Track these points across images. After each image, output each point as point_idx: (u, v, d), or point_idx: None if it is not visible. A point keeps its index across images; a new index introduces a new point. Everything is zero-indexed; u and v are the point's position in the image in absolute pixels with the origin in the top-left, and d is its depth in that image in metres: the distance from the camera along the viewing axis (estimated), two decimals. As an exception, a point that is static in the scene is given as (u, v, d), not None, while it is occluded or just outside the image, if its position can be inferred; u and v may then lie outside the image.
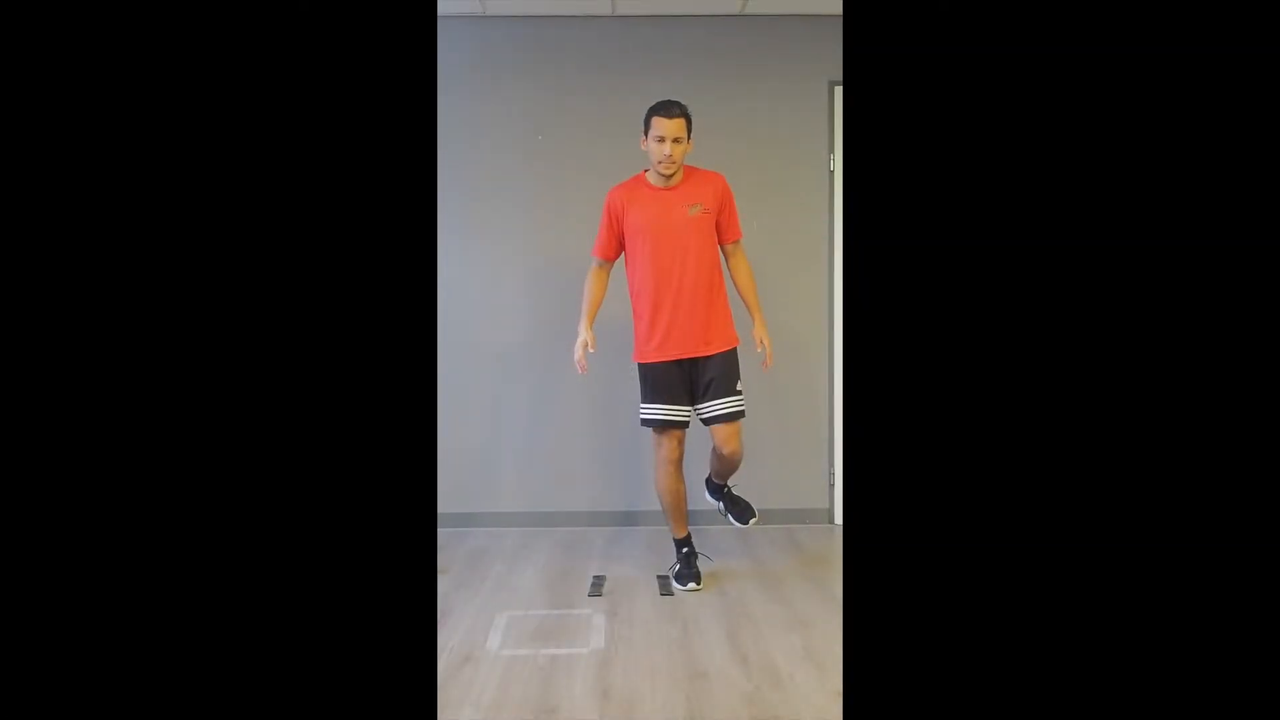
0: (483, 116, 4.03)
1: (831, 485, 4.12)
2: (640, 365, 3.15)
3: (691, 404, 3.11)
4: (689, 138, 3.02)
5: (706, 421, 3.11)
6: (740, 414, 3.09)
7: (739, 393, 3.09)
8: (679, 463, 3.14)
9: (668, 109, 2.99)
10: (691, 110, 3.03)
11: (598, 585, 3.21)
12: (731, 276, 3.21)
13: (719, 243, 3.16)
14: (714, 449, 3.17)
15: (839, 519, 4.09)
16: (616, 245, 3.14)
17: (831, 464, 4.11)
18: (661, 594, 3.12)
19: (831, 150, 4.04)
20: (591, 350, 3.10)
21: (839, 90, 4.00)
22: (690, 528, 3.28)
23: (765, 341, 3.15)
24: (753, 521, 3.27)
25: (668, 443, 3.12)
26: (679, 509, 3.21)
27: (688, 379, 3.09)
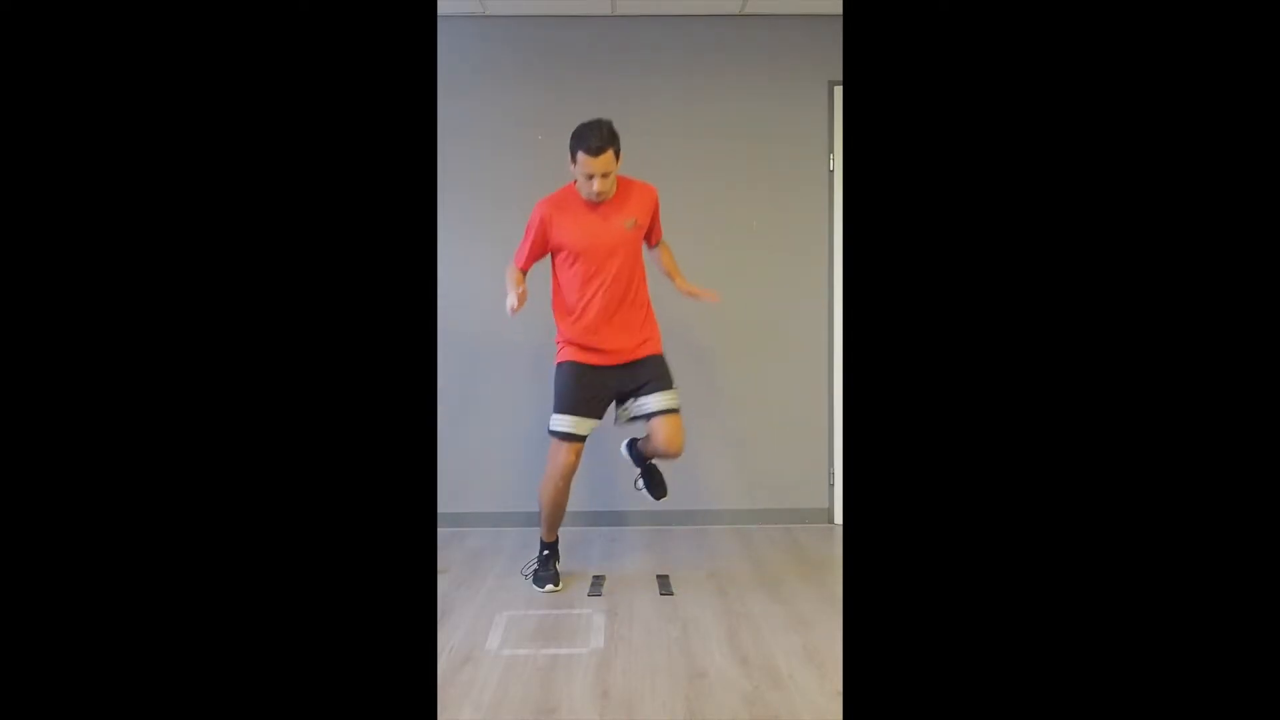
0: (483, 116, 4.03)
1: (831, 485, 4.12)
2: (560, 366, 3.15)
3: (601, 417, 3.13)
4: (618, 156, 2.97)
5: (649, 416, 3.09)
6: (679, 409, 3.11)
7: (675, 389, 3.12)
8: (571, 476, 3.13)
9: (592, 143, 2.88)
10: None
11: (598, 585, 3.21)
12: (656, 257, 3.29)
13: (649, 244, 3.23)
14: (653, 447, 3.16)
15: (839, 519, 4.09)
16: (538, 256, 3.13)
17: (831, 464, 4.11)
18: (661, 594, 3.12)
19: (831, 150, 4.04)
20: (522, 305, 3.00)
21: (839, 90, 4.00)
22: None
23: (694, 290, 3.17)
24: (661, 500, 3.37)
25: (565, 455, 3.09)
26: (558, 517, 3.23)
27: (613, 387, 3.10)
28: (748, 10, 3.94)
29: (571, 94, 4.02)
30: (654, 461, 3.36)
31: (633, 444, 3.36)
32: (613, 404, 3.18)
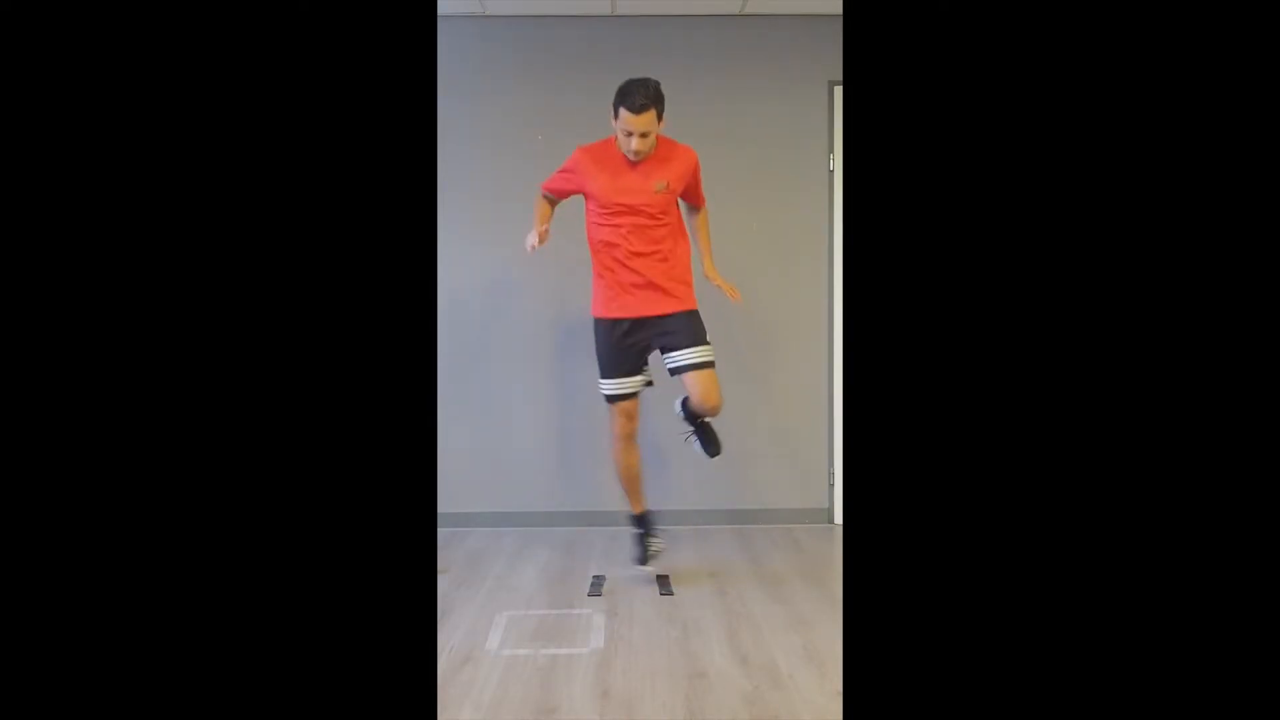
0: (483, 116, 4.02)
1: (831, 485, 4.12)
2: (595, 323, 3.15)
3: (643, 373, 3.15)
4: (660, 118, 2.99)
5: (675, 372, 3.08)
6: (712, 363, 3.07)
7: (709, 344, 3.08)
8: (630, 436, 3.18)
9: (635, 100, 2.93)
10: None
11: (598, 585, 3.21)
12: (694, 228, 3.28)
13: (692, 208, 3.25)
14: (693, 404, 3.13)
15: (839, 519, 4.09)
16: (564, 193, 3.19)
17: (831, 464, 4.11)
18: (661, 594, 3.12)
19: (831, 150, 4.04)
20: (542, 244, 3.10)
21: (839, 90, 4.00)
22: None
23: (719, 281, 3.23)
24: (715, 457, 3.28)
25: (617, 417, 3.15)
26: (635, 483, 3.25)
27: (646, 342, 3.09)
28: (748, 10, 3.94)
29: (571, 94, 4.02)
30: (706, 419, 3.31)
31: (684, 402, 3.30)
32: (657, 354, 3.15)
